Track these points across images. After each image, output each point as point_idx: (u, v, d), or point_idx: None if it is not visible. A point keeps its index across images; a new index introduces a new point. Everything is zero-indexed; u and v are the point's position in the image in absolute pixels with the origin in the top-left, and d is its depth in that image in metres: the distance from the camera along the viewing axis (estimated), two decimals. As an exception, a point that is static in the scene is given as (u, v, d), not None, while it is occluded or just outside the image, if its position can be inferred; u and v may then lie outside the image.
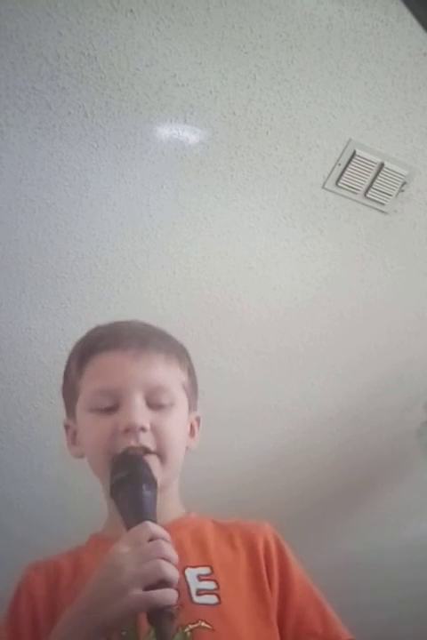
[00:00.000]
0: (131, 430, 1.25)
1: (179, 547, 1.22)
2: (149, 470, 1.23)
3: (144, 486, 1.19)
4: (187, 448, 1.40)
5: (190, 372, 1.43)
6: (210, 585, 1.24)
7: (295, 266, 2.71)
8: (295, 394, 3.15)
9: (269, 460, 3.31)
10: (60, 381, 2.93)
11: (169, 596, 1.06)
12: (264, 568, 1.29)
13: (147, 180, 2.39)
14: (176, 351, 1.40)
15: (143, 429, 1.26)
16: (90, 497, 3.27)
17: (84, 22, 2.01)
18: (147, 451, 1.26)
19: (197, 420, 1.45)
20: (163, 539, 1.11)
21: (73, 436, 1.40)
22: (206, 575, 1.25)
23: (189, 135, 2.30)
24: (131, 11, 2.01)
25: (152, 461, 1.26)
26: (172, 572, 1.08)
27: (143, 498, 1.18)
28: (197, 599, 1.21)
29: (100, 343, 1.36)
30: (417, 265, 2.78)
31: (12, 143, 2.23)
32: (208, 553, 1.29)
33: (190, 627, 1.17)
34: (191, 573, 1.25)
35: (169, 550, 1.10)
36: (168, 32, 2.07)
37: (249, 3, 2.05)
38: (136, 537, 1.11)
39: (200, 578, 1.24)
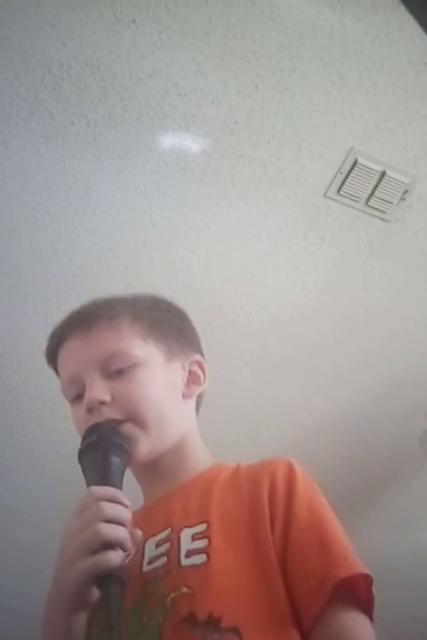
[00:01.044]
0: (91, 408, 1.22)
1: (184, 507, 1.21)
2: (115, 435, 1.18)
3: (107, 454, 1.15)
4: (186, 396, 1.34)
5: (160, 324, 1.35)
6: (201, 543, 1.13)
7: (297, 273, 2.71)
8: (297, 400, 3.15)
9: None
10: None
11: (111, 559, 1.01)
12: (267, 508, 1.16)
13: (149, 188, 2.39)
14: (128, 312, 1.34)
15: (103, 403, 1.22)
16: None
17: (87, 32, 2.02)
18: (118, 422, 1.21)
19: (197, 363, 1.38)
20: (108, 499, 1.06)
21: None
22: (200, 533, 1.15)
23: (192, 144, 2.31)
24: (133, 21, 2.02)
25: (128, 429, 1.21)
26: (114, 531, 1.03)
27: (105, 464, 1.14)
28: (184, 562, 1.12)
29: (55, 340, 1.36)
30: (418, 272, 2.79)
31: (15, 152, 2.23)
32: (209, 507, 1.19)
33: (172, 595, 1.09)
34: (186, 534, 1.16)
35: (113, 510, 1.05)
36: (170, 42, 2.08)
37: (251, 13, 2.05)
38: (81, 505, 1.08)
39: (193, 537, 1.15)
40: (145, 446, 1.23)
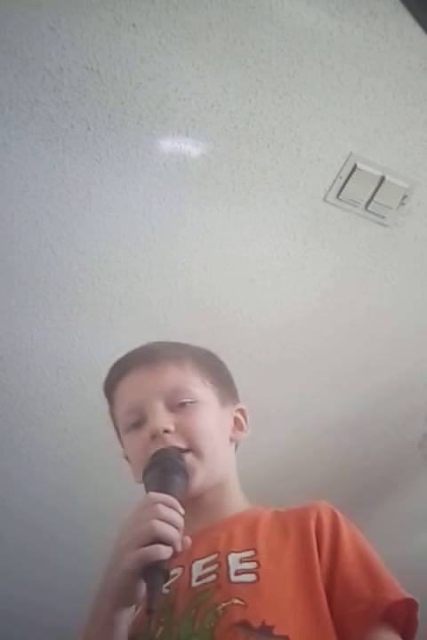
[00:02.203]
0: (156, 435, 1.33)
1: (229, 537, 1.32)
2: (180, 459, 1.29)
3: (172, 472, 1.25)
4: (233, 440, 1.47)
5: (215, 371, 1.49)
6: (250, 565, 1.25)
7: (296, 278, 2.71)
8: (297, 404, 3.15)
9: (270, 471, 3.31)
10: (62, 392, 2.95)
11: (160, 551, 1.09)
12: (315, 542, 1.28)
13: (149, 192, 2.40)
14: (189, 355, 1.46)
15: (167, 431, 1.33)
16: (92, 507, 3.29)
17: (87, 36, 2.03)
18: (180, 450, 1.32)
19: (241, 412, 1.51)
20: (164, 503, 1.15)
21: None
22: (248, 557, 1.27)
23: (191, 148, 2.31)
24: (133, 25, 2.03)
25: (189, 459, 1.32)
26: (165, 529, 1.12)
27: (169, 479, 1.24)
28: (234, 579, 1.24)
29: (117, 372, 1.47)
30: (418, 277, 2.79)
31: (14, 155, 2.24)
32: (256, 538, 1.31)
33: (223, 605, 1.20)
34: (234, 557, 1.27)
35: (167, 512, 1.14)
36: (170, 46, 2.08)
37: (250, 18, 2.06)
38: (139, 506, 1.17)
39: (242, 560, 1.27)
40: (200, 477, 1.34)
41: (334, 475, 3.44)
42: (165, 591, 1.24)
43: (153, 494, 1.18)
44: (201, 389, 1.42)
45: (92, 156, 2.28)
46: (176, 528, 1.14)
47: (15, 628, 3.57)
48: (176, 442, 1.33)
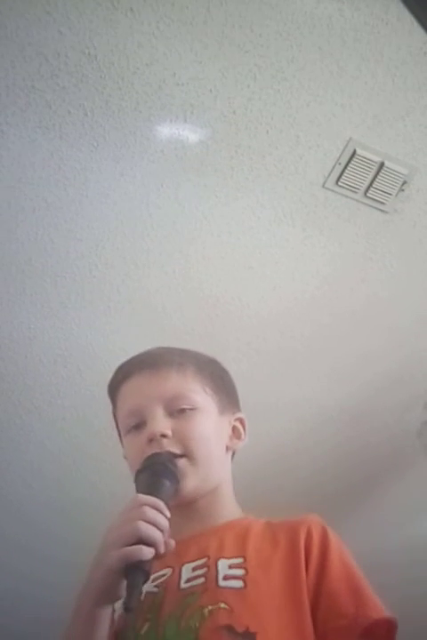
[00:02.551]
0: (153, 439, 1.36)
1: (219, 543, 1.35)
2: (171, 464, 1.32)
3: (161, 476, 1.29)
4: (229, 449, 1.49)
5: (217, 379, 1.52)
6: (238, 571, 1.29)
7: (295, 265, 2.70)
8: (295, 393, 3.15)
9: (269, 459, 3.31)
10: (60, 381, 2.94)
11: (142, 551, 1.13)
12: (303, 555, 1.31)
13: (147, 178, 2.39)
14: (192, 362, 1.50)
15: (164, 436, 1.36)
16: (90, 498, 3.29)
17: (84, 21, 2.01)
18: (174, 455, 1.35)
19: (240, 421, 1.53)
20: (151, 505, 1.18)
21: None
22: (237, 564, 1.30)
23: (189, 134, 2.30)
24: (131, 10, 2.01)
25: (182, 464, 1.36)
26: (149, 531, 1.15)
27: (157, 482, 1.27)
28: (222, 583, 1.27)
29: (120, 375, 1.51)
30: (417, 264, 2.78)
31: (11, 142, 2.23)
32: (245, 546, 1.34)
33: (210, 607, 1.23)
34: (223, 563, 1.31)
35: (152, 514, 1.17)
36: (168, 31, 2.07)
37: (249, 2, 2.04)
38: (126, 507, 1.20)
39: (230, 566, 1.30)
40: (192, 482, 1.37)
41: (333, 464, 3.44)
42: (154, 590, 1.30)
43: (140, 496, 1.21)
44: (201, 396, 1.45)
45: (90, 142, 2.26)
46: (160, 530, 1.17)
47: (9, 620, 3.58)
48: (172, 447, 1.36)
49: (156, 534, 1.15)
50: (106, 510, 3.12)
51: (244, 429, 1.53)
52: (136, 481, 1.31)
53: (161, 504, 1.20)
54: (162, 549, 1.16)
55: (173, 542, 1.19)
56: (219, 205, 2.49)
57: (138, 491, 1.27)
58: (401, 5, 2.08)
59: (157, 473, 1.29)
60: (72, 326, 2.73)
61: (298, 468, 3.40)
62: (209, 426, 1.44)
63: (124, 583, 1.14)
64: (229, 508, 1.46)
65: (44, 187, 2.34)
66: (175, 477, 1.31)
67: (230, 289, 2.74)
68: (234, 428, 1.52)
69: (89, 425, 2.97)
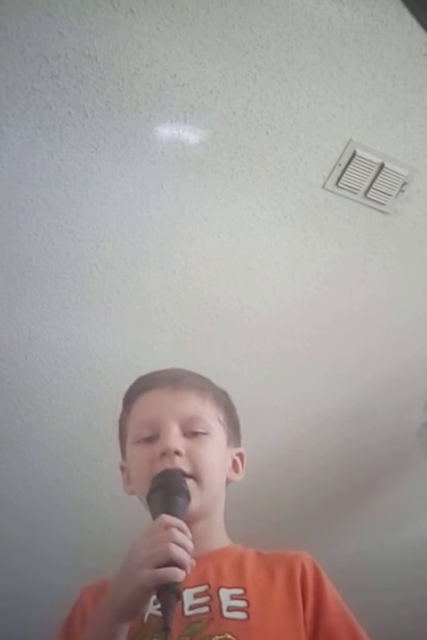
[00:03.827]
0: (167, 454, 1.39)
1: (217, 570, 1.39)
2: (184, 483, 1.36)
3: (176, 494, 1.32)
4: (228, 480, 1.53)
5: (229, 411, 1.57)
6: (241, 603, 1.33)
7: (295, 266, 2.70)
8: (295, 394, 3.15)
9: (269, 461, 3.30)
10: (60, 381, 2.94)
11: (176, 573, 1.16)
12: (300, 591, 1.36)
13: (147, 179, 2.39)
14: (211, 389, 1.55)
15: (178, 453, 1.40)
16: (90, 499, 3.29)
17: (84, 22, 2.01)
18: (183, 474, 1.38)
19: (240, 456, 1.57)
20: (177, 527, 1.21)
21: (128, 476, 1.53)
22: (239, 595, 1.34)
23: (190, 135, 2.30)
24: (131, 11, 2.01)
25: (189, 484, 1.38)
26: (180, 553, 1.18)
27: (174, 501, 1.30)
28: (227, 614, 1.31)
29: (140, 386, 1.54)
30: (417, 265, 2.78)
31: (12, 143, 2.23)
32: (244, 577, 1.38)
33: (217, 637, 1.27)
34: (225, 593, 1.34)
35: (181, 537, 1.20)
36: (168, 32, 2.07)
37: (249, 3, 2.04)
38: (153, 527, 1.23)
39: (233, 597, 1.34)
40: (197, 503, 1.38)
41: (333, 464, 3.44)
42: (158, 613, 1.29)
43: (167, 518, 1.23)
44: (215, 424, 1.49)
45: (90, 143, 2.26)
46: (188, 552, 1.20)
47: (8, 622, 3.57)
48: (183, 466, 1.39)
49: (185, 556, 1.19)
50: (106, 512, 3.13)
51: (242, 465, 1.57)
52: (150, 499, 1.33)
53: (185, 526, 1.23)
54: (189, 571, 1.19)
55: (194, 562, 1.22)
56: (219, 206, 2.49)
57: (154, 507, 1.30)
58: (401, 6, 2.07)
59: (172, 491, 1.32)
60: (72, 327, 2.73)
61: (298, 468, 3.40)
62: (218, 453, 1.48)
63: (148, 602, 1.20)
64: (220, 536, 1.50)
65: (44, 188, 2.35)
66: (188, 495, 1.34)
67: (230, 290, 2.74)
68: (234, 462, 1.55)
69: (89, 426, 2.97)
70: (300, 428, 3.27)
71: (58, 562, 3.33)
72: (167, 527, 1.21)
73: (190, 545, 1.21)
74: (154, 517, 1.28)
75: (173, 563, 1.16)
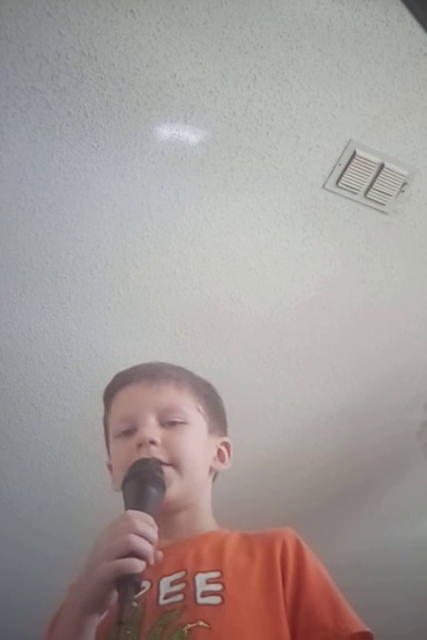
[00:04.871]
0: (142, 444, 1.40)
1: (196, 555, 1.38)
2: (159, 472, 1.35)
3: (148, 483, 1.31)
4: (213, 470, 1.53)
5: (211, 401, 1.56)
6: (216, 587, 1.31)
7: (295, 266, 2.70)
8: (295, 394, 3.15)
9: (269, 461, 3.30)
10: (60, 381, 2.94)
11: (135, 564, 1.15)
12: (279, 568, 1.34)
13: (147, 180, 2.39)
14: (189, 380, 1.55)
15: (153, 443, 1.40)
16: (89, 498, 3.29)
17: (84, 22, 2.01)
18: (160, 462, 1.38)
19: (226, 445, 1.57)
20: (138, 518, 1.20)
21: (113, 474, 1.53)
22: (214, 578, 1.32)
23: (190, 135, 2.30)
24: (131, 11, 2.01)
25: (168, 472, 1.38)
26: (141, 544, 1.16)
27: (145, 491, 1.29)
28: (200, 600, 1.29)
29: (118, 382, 1.55)
30: (417, 265, 2.78)
31: (12, 143, 2.23)
32: (222, 560, 1.37)
33: (189, 626, 1.25)
34: (200, 578, 1.33)
35: (142, 527, 1.19)
36: (168, 32, 2.07)
37: (249, 3, 2.05)
38: (116, 520, 1.22)
39: (208, 581, 1.32)
40: (176, 490, 1.39)
41: (333, 464, 3.44)
42: (134, 604, 1.28)
43: (129, 512, 1.23)
44: (193, 413, 1.49)
45: (90, 143, 2.26)
46: (150, 543, 1.19)
47: (8, 621, 3.57)
48: (159, 455, 1.39)
49: (147, 546, 1.17)
50: (105, 511, 3.12)
51: (228, 454, 1.56)
52: (123, 489, 1.33)
53: (150, 518, 1.22)
54: (152, 561, 1.18)
55: (160, 554, 1.21)
56: (219, 206, 2.49)
57: (126, 499, 1.29)
58: (401, 6, 2.08)
59: (144, 481, 1.31)
60: (72, 327, 2.73)
61: (298, 469, 3.40)
62: (198, 442, 1.48)
63: (114, 594, 1.16)
64: (206, 523, 1.50)
65: (44, 188, 2.35)
66: (162, 484, 1.34)
67: (230, 290, 2.74)
68: (219, 451, 1.55)
69: (89, 426, 2.96)
70: (300, 427, 3.27)
71: (58, 561, 3.33)
72: (129, 518, 1.20)
73: (154, 535, 1.20)
74: (127, 508, 1.27)
75: (133, 554, 1.15)
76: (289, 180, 2.45)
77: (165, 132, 2.28)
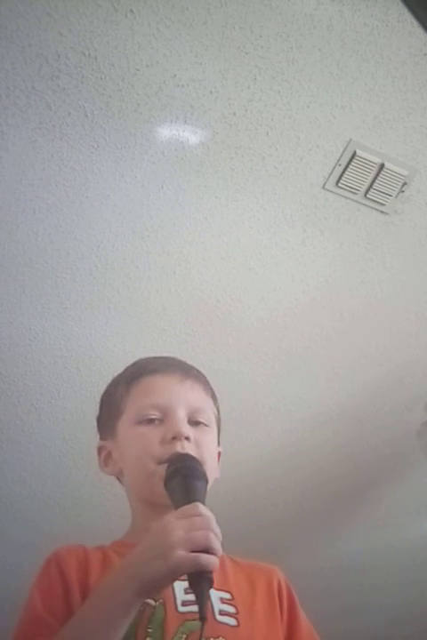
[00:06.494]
0: (178, 438, 1.40)
1: None
2: (202, 467, 1.36)
3: (196, 478, 1.31)
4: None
5: (218, 410, 1.58)
6: (230, 609, 1.34)
7: (295, 266, 2.70)
8: (295, 394, 3.15)
9: (269, 461, 3.31)
10: (60, 381, 2.93)
11: (214, 562, 1.15)
12: (278, 605, 1.41)
13: (147, 180, 2.39)
14: (210, 386, 1.57)
15: (187, 439, 1.41)
16: (89, 498, 3.29)
17: (84, 23, 2.01)
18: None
19: (219, 454, 1.57)
20: (213, 518, 1.19)
21: (106, 457, 1.54)
22: (227, 600, 1.35)
23: (190, 135, 2.30)
24: (131, 11, 2.01)
25: None
26: (217, 544, 1.16)
27: (195, 485, 1.29)
28: (219, 618, 1.31)
29: (149, 367, 1.54)
30: (417, 265, 2.78)
31: (12, 143, 2.23)
32: (228, 581, 1.39)
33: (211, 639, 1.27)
34: (215, 594, 1.33)
35: (217, 529, 1.18)
36: (168, 32, 2.07)
37: (249, 3, 2.05)
38: (187, 511, 1.20)
39: (222, 601, 1.34)
40: None
41: (333, 464, 3.44)
42: (151, 602, 1.28)
43: (202, 507, 1.21)
44: (213, 418, 1.52)
45: (90, 143, 2.26)
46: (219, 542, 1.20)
47: (9, 621, 3.57)
48: (191, 451, 1.40)
49: (218, 547, 1.17)
50: (106, 510, 3.13)
51: (218, 462, 1.57)
52: (170, 481, 1.31)
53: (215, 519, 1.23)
54: (218, 562, 1.19)
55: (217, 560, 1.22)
56: (219, 206, 2.49)
57: (174, 492, 1.29)
58: (401, 6, 2.08)
59: (193, 475, 1.31)
60: (72, 327, 2.73)
61: (298, 469, 3.40)
62: (214, 445, 1.51)
63: (170, 584, 1.20)
64: None
65: (44, 188, 2.35)
66: (206, 480, 1.34)
67: (230, 290, 2.74)
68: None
69: (89, 425, 2.95)
70: (300, 427, 3.27)
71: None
72: (205, 515, 1.19)
73: (221, 537, 1.19)
74: (174, 500, 1.27)
75: (207, 551, 1.15)
76: (289, 180, 2.45)
77: (165, 132, 2.29)
